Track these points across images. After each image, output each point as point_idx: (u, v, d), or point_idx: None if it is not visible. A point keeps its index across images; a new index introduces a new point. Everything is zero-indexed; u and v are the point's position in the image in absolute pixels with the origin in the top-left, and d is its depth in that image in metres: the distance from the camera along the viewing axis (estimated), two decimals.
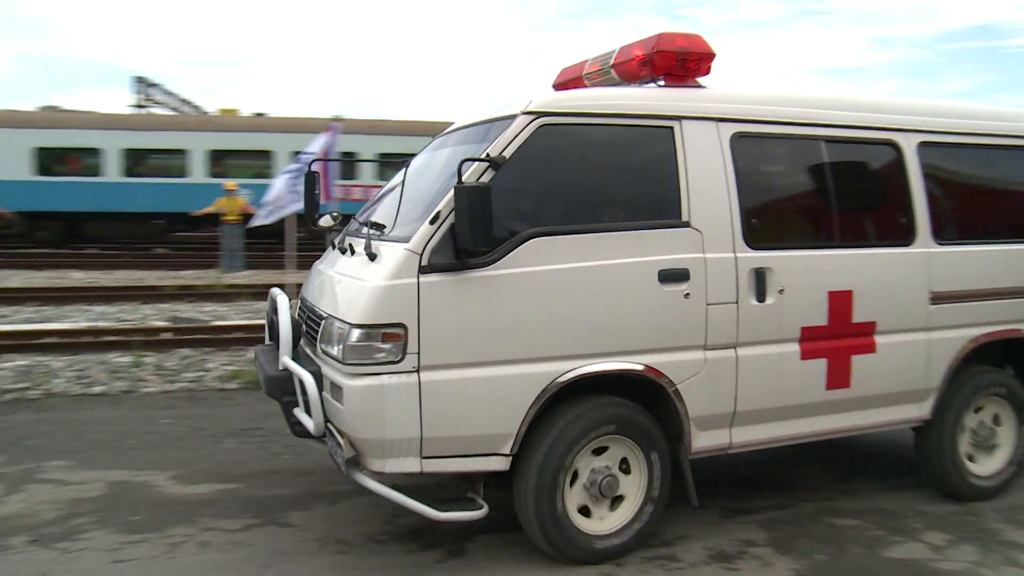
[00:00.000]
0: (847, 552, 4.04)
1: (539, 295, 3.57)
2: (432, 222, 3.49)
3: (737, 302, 3.92)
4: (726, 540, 4.14)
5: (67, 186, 21.38)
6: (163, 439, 5.88)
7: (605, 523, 3.85)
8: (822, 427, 4.30)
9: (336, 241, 4.33)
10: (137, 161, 22.01)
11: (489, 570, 3.78)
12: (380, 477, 3.58)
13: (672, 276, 3.77)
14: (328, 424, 3.62)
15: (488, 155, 3.57)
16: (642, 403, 3.86)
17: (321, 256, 4.63)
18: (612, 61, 4.31)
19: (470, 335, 3.50)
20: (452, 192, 3.40)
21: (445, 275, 3.46)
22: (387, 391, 3.41)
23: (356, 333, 3.41)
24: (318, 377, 3.62)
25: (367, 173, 21.65)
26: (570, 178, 3.79)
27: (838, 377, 4.20)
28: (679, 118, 3.91)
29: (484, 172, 3.55)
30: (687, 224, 3.84)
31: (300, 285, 4.84)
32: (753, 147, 4.08)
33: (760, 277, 3.97)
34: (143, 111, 30.49)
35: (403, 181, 3.95)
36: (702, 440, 3.96)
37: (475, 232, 3.30)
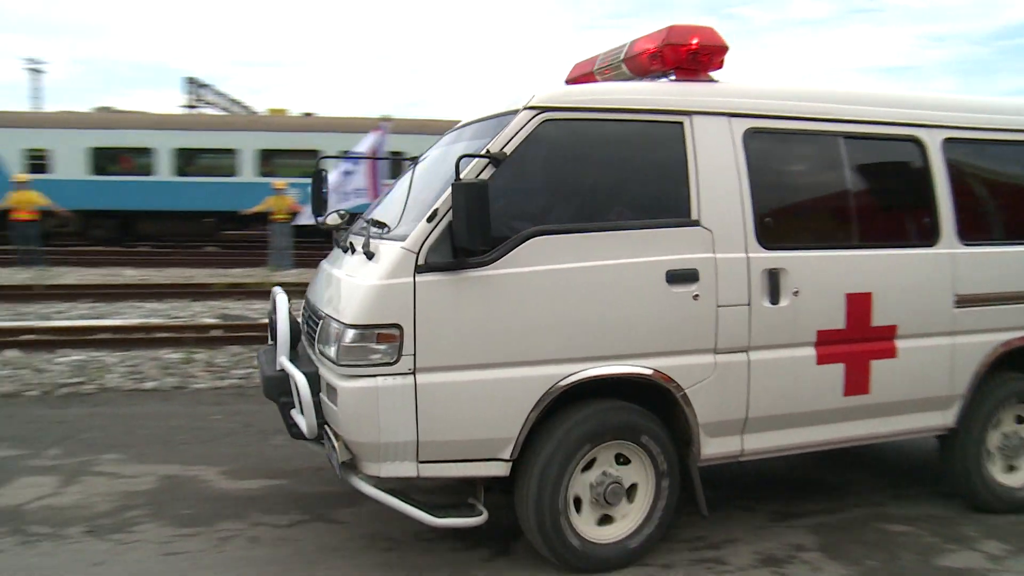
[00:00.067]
0: (898, 559, 3.95)
1: (540, 296, 3.45)
2: (429, 220, 3.39)
3: (749, 304, 3.79)
4: (775, 544, 4.07)
5: (121, 185, 21.91)
6: (213, 435, 5.99)
7: (608, 531, 3.74)
8: (840, 435, 4.15)
9: (341, 239, 4.27)
10: (188, 161, 22.47)
11: (534, 569, 3.77)
12: (376, 481, 3.50)
13: (681, 277, 3.65)
14: (324, 426, 3.56)
15: (488, 151, 3.47)
16: (648, 408, 3.74)
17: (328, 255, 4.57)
18: (623, 56, 4.23)
19: (468, 336, 3.39)
20: (449, 189, 3.32)
21: (442, 275, 3.36)
22: (382, 393, 3.33)
23: (350, 333, 3.34)
24: (313, 378, 3.56)
25: None
26: (574, 175, 3.71)
27: (857, 383, 4.06)
28: (689, 113, 3.79)
29: (484, 168, 3.45)
30: (696, 223, 3.72)
31: None
32: (767, 143, 3.95)
33: (774, 278, 3.84)
34: (194, 111, 31.11)
35: (411, 178, 3.89)
36: (712, 447, 3.83)
37: (473, 230, 3.20)
